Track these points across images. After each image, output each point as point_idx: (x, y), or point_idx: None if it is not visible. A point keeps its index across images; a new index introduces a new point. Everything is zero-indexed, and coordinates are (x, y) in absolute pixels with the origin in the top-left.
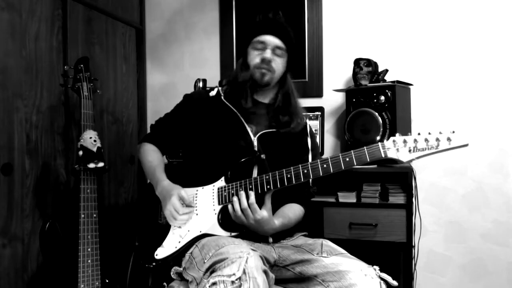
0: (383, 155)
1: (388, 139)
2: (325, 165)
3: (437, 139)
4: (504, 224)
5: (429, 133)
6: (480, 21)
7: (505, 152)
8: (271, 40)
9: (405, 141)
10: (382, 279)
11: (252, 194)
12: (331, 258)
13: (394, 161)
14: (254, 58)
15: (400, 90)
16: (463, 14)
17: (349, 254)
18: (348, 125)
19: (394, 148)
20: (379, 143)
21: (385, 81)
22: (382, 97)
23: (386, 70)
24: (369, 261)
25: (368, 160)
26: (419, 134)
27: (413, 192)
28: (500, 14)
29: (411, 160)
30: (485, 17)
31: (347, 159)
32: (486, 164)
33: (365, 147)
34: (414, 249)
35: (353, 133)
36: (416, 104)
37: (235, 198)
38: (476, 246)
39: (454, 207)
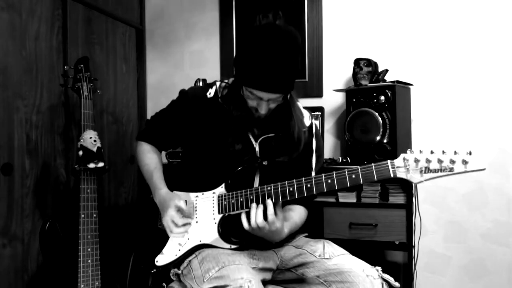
0: (392, 175)
1: (388, 139)
2: (329, 181)
3: (452, 161)
4: (504, 224)
5: (443, 152)
6: (479, 21)
7: (505, 152)
8: (266, 95)
9: (416, 160)
10: (384, 280)
11: (270, 204)
12: (333, 260)
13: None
14: (250, 101)
15: (400, 90)
16: (463, 14)
17: (351, 255)
18: (348, 125)
19: (404, 168)
20: (389, 161)
21: (385, 81)
22: (382, 97)
23: (386, 70)
24: (369, 261)
25: (376, 179)
26: (432, 152)
27: (413, 192)
28: (500, 14)
29: (421, 182)
30: (485, 17)
31: (353, 176)
32: (486, 164)
33: (373, 164)
34: (414, 249)
35: (353, 133)
36: (416, 104)
37: (252, 212)
38: (476, 246)
39: (454, 207)
